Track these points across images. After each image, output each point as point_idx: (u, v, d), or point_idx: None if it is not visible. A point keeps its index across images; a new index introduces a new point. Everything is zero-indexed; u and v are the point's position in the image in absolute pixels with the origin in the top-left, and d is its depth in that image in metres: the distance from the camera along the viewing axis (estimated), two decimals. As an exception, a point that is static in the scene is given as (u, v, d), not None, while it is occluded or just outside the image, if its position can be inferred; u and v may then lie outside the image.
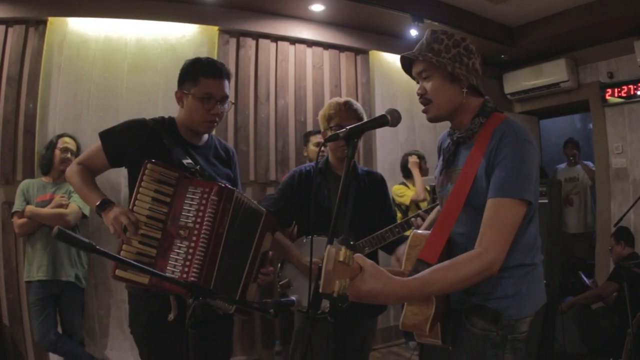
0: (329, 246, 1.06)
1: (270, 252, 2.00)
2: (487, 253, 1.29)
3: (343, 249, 1.08)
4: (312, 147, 3.87)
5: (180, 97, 1.91)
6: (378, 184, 2.38)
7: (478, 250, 1.31)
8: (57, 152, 3.25)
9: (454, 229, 1.44)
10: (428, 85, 1.52)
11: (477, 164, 1.43)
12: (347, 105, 2.23)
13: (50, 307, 3.11)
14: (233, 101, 2.04)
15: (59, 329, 3.18)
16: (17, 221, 3.11)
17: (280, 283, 2.23)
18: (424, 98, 1.53)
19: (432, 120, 1.56)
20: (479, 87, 1.52)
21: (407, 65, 1.62)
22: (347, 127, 1.39)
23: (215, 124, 1.93)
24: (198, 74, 1.86)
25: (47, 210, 3.10)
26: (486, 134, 1.46)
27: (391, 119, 1.44)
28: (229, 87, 1.93)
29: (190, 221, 1.66)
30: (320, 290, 1.04)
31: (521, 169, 1.36)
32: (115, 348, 3.56)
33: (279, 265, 2.27)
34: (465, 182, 1.44)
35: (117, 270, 1.61)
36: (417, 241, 1.51)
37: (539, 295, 1.50)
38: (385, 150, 4.81)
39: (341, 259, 1.07)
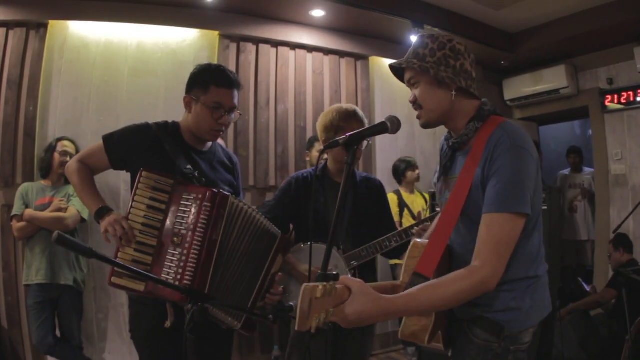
0: (304, 285, 1.01)
1: (279, 274, 1.96)
2: (481, 270, 1.26)
3: (320, 286, 1.02)
4: (315, 153, 3.84)
5: (188, 103, 1.89)
6: (376, 190, 2.35)
7: (472, 268, 1.27)
8: (56, 155, 3.25)
9: (453, 238, 1.41)
10: (417, 91, 1.49)
11: (472, 174, 1.38)
12: (357, 117, 2.19)
13: (48, 311, 3.10)
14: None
15: (58, 333, 3.18)
16: (16, 225, 3.10)
17: None
18: (416, 105, 1.50)
19: (424, 126, 1.53)
20: (470, 89, 1.46)
21: (401, 74, 1.58)
22: (347, 135, 1.39)
23: (222, 133, 1.92)
24: (209, 81, 1.83)
25: (46, 214, 3.09)
26: (481, 141, 1.40)
27: (390, 126, 1.43)
28: (238, 97, 1.91)
29: (183, 228, 1.66)
30: (296, 329, 0.99)
31: (516, 180, 1.31)
32: (114, 352, 3.56)
33: None
34: (461, 193, 1.40)
35: (112, 278, 1.61)
36: (416, 252, 1.47)
37: (543, 306, 1.46)
38: (385, 157, 4.79)
39: (319, 295, 1.01)
